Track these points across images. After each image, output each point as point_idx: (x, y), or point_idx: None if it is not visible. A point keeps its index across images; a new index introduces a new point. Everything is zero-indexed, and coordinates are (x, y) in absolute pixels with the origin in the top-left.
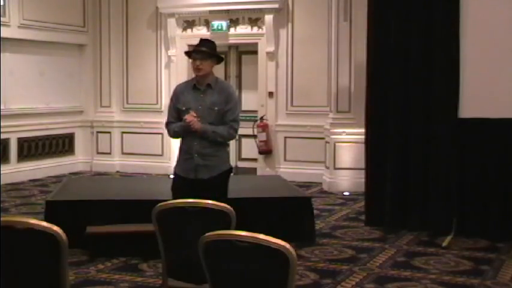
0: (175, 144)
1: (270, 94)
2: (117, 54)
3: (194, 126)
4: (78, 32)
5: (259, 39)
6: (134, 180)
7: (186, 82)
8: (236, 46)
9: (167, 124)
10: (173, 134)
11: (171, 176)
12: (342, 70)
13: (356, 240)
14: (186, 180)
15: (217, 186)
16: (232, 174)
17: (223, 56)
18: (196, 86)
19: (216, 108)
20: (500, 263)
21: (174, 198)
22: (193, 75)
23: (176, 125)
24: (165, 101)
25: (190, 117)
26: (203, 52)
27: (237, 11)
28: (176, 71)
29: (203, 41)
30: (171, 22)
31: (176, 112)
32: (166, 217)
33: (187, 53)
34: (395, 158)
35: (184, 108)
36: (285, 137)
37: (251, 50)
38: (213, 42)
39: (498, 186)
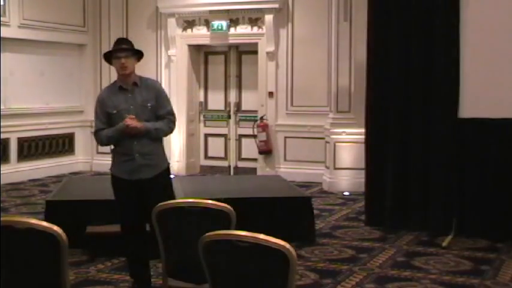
0: (175, 144)
1: (270, 94)
2: None
3: (137, 128)
4: (78, 32)
5: (259, 39)
6: None
7: (107, 87)
8: (236, 46)
9: (96, 132)
10: (107, 140)
11: (172, 176)
12: (342, 70)
13: (356, 240)
14: (129, 182)
15: (162, 184)
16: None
17: (142, 51)
18: (123, 87)
19: (148, 104)
20: (500, 263)
21: (120, 201)
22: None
23: (109, 130)
24: None
25: (130, 121)
26: (127, 50)
27: (237, 11)
28: (176, 70)
29: (122, 40)
30: (171, 22)
31: (106, 117)
32: (166, 217)
33: (105, 55)
34: (395, 158)
35: (115, 112)
36: (285, 137)
37: (251, 50)
38: (131, 41)
39: (498, 186)
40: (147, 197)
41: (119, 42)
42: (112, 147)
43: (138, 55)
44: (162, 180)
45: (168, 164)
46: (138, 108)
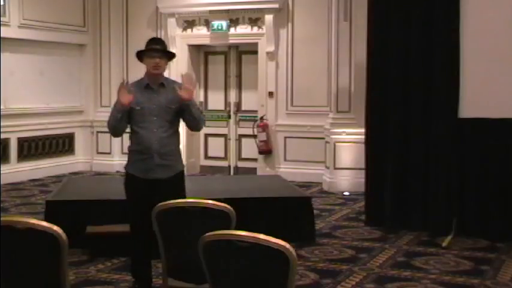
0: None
1: (270, 94)
2: (117, 54)
3: (192, 91)
4: (78, 32)
5: (259, 39)
6: None
7: (134, 82)
8: (236, 46)
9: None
10: (110, 122)
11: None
12: (342, 70)
13: (356, 240)
14: (143, 181)
15: (176, 185)
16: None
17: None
18: (150, 85)
19: (173, 106)
20: (500, 263)
21: (132, 200)
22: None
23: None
24: None
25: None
26: (162, 50)
27: (237, 11)
28: (176, 70)
29: (157, 40)
30: (171, 22)
31: (127, 111)
32: (166, 217)
33: (139, 53)
34: (395, 158)
35: (138, 108)
36: (285, 137)
37: (251, 50)
38: (164, 41)
39: (498, 186)
40: (159, 197)
41: (153, 41)
42: (129, 145)
43: (170, 56)
44: (177, 182)
45: (184, 166)
46: (162, 108)
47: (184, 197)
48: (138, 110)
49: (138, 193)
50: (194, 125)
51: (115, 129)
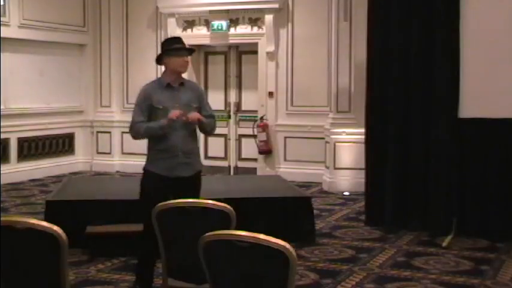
0: None
1: (270, 94)
2: (117, 54)
3: (198, 119)
4: (78, 32)
5: (259, 39)
6: (134, 180)
7: (154, 82)
8: (236, 46)
9: (134, 124)
10: (144, 132)
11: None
12: (342, 70)
13: (356, 240)
14: (166, 179)
15: (195, 184)
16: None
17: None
18: (171, 84)
19: (194, 105)
20: (500, 263)
21: (150, 199)
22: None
23: (151, 123)
24: None
25: (195, 115)
26: (190, 49)
27: (237, 11)
28: None
29: (178, 39)
30: (171, 22)
31: (148, 111)
32: (166, 217)
33: (161, 55)
34: (395, 158)
35: (161, 107)
36: (285, 137)
37: (251, 50)
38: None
39: (498, 186)
40: (179, 195)
41: (176, 41)
42: (150, 144)
43: (191, 53)
44: (195, 181)
45: (202, 166)
46: (182, 107)
47: (198, 197)
48: (161, 109)
49: (158, 192)
50: (207, 132)
51: (141, 137)
